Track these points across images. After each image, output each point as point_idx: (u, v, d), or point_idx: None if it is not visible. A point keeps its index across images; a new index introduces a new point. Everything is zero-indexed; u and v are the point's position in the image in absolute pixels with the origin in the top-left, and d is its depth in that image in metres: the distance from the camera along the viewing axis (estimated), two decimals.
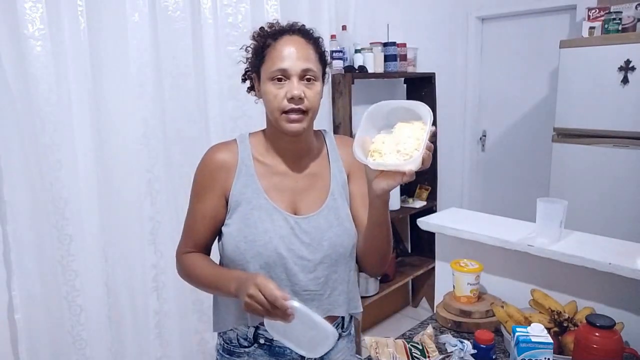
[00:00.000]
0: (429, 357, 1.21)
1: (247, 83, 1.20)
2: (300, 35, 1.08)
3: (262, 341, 1.13)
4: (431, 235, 1.81)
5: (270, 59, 1.06)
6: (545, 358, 1.10)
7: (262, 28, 1.12)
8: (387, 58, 2.89)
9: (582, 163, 2.75)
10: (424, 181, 3.39)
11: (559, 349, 1.24)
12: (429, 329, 1.32)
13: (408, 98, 3.44)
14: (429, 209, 3.20)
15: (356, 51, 2.74)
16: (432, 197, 3.34)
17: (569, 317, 1.31)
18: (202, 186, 1.13)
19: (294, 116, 1.04)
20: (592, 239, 1.53)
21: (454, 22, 3.77)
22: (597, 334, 1.13)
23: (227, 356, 1.17)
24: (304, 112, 1.05)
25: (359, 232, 1.14)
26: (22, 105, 1.59)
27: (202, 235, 1.14)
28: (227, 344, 1.17)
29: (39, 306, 1.70)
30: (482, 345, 1.19)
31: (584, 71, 2.69)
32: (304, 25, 1.12)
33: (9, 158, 1.59)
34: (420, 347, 1.23)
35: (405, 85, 3.42)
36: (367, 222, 1.06)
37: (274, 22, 1.13)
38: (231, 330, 1.16)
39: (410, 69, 3.13)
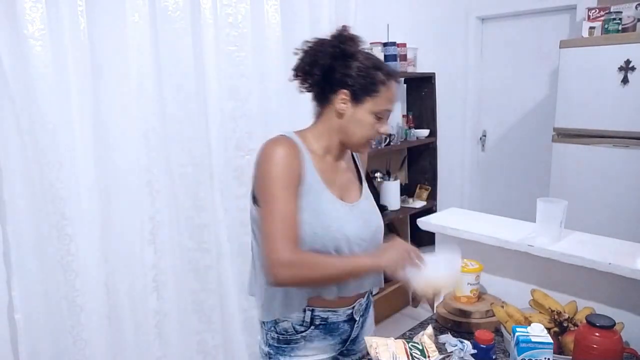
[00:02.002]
0: (429, 357, 1.21)
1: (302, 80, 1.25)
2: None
3: (317, 322, 1.25)
4: (431, 235, 1.81)
5: (382, 98, 1.18)
6: (545, 358, 1.10)
7: (380, 63, 1.24)
8: (387, 58, 2.89)
9: (582, 163, 2.75)
10: (424, 181, 3.39)
11: (559, 349, 1.24)
12: (429, 329, 1.32)
13: (408, 98, 3.44)
14: (429, 209, 3.21)
15: None
16: (432, 197, 3.34)
17: (569, 317, 1.31)
18: (285, 181, 1.13)
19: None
20: (592, 239, 1.53)
21: (454, 22, 3.77)
22: (597, 334, 1.13)
23: (285, 345, 1.26)
24: None
25: None
26: (22, 105, 1.59)
27: (296, 228, 1.13)
28: (283, 334, 1.25)
29: (39, 306, 1.69)
30: (482, 346, 1.20)
31: (584, 71, 2.69)
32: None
33: (9, 158, 1.59)
34: (420, 347, 1.23)
35: (405, 85, 3.43)
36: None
37: (388, 67, 1.24)
38: (285, 320, 1.24)
39: (410, 69, 3.13)
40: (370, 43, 2.86)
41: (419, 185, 3.37)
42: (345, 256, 1.19)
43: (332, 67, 1.17)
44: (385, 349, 1.19)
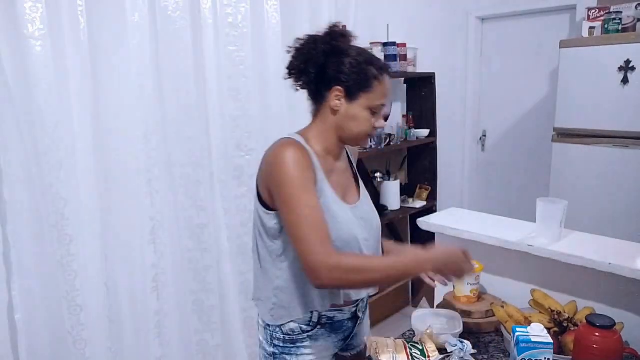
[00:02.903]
0: (429, 357, 1.21)
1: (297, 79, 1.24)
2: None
3: (324, 321, 1.26)
4: (431, 235, 1.81)
5: (376, 93, 1.18)
6: (545, 358, 1.10)
7: (373, 59, 1.21)
8: (387, 58, 2.89)
9: (582, 163, 2.75)
10: (424, 181, 3.39)
11: (559, 349, 1.24)
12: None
13: (408, 98, 3.44)
14: (429, 209, 3.20)
15: None
16: (432, 197, 3.34)
17: (569, 317, 1.32)
18: (305, 181, 1.12)
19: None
20: (592, 239, 1.53)
21: (454, 22, 3.77)
22: (597, 334, 1.13)
23: (290, 345, 1.27)
24: None
25: None
26: (22, 105, 1.59)
27: (328, 230, 1.12)
28: (289, 335, 1.26)
29: (39, 306, 1.69)
30: None
31: (584, 71, 2.69)
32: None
33: (9, 158, 1.59)
34: (420, 347, 1.23)
35: (405, 85, 3.42)
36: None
37: (383, 62, 1.24)
38: (291, 322, 1.25)
39: (410, 69, 3.13)
40: (370, 43, 2.87)
41: (419, 185, 3.37)
42: (388, 258, 1.26)
43: (325, 64, 1.17)
44: (385, 349, 1.19)
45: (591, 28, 2.80)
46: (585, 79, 2.68)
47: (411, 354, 1.20)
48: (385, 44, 2.91)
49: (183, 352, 2.08)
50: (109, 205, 1.84)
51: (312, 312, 1.24)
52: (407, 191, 3.36)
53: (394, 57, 2.91)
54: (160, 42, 1.90)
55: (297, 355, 1.26)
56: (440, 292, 1.69)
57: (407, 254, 1.30)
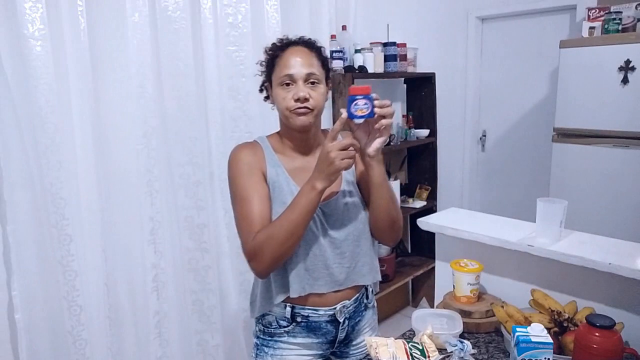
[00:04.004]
0: (429, 357, 1.21)
1: (264, 93, 1.34)
2: (304, 46, 1.25)
3: (299, 319, 1.27)
4: (431, 235, 1.81)
5: (279, 68, 1.22)
6: (545, 358, 1.10)
7: (273, 43, 1.27)
8: (387, 58, 2.89)
9: (582, 163, 2.75)
10: (424, 181, 3.39)
11: (559, 349, 1.24)
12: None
13: (408, 98, 3.44)
14: (429, 209, 3.20)
15: (356, 51, 2.74)
16: (432, 197, 3.34)
17: (569, 317, 1.31)
18: (245, 174, 1.22)
19: (301, 110, 1.19)
20: (592, 239, 1.53)
21: (454, 22, 3.77)
22: (597, 334, 1.13)
23: (269, 338, 1.31)
24: (310, 109, 1.20)
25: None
26: (22, 105, 1.59)
27: (259, 218, 1.18)
28: (267, 327, 1.31)
29: (39, 306, 1.69)
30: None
31: (584, 71, 2.69)
32: (309, 38, 1.29)
33: (9, 158, 1.59)
34: (420, 347, 1.23)
35: (405, 85, 3.42)
36: (370, 186, 1.20)
37: (283, 37, 1.28)
38: (269, 314, 1.30)
39: (410, 69, 3.13)
40: (370, 43, 2.87)
41: (419, 185, 3.37)
42: (287, 208, 1.17)
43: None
44: (385, 349, 1.19)
45: (591, 28, 2.80)
46: (585, 79, 2.68)
47: (411, 354, 1.20)
48: (385, 44, 2.91)
49: (183, 352, 2.08)
50: (109, 205, 1.84)
51: (285, 307, 1.27)
52: (407, 191, 3.36)
53: (394, 57, 2.91)
54: (160, 42, 1.90)
55: (274, 347, 1.31)
56: (440, 291, 1.69)
57: (297, 195, 1.18)
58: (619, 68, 2.56)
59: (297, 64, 1.20)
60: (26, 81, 1.58)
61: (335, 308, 1.29)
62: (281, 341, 1.30)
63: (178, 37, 1.93)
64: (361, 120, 1.10)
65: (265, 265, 1.17)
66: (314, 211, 1.15)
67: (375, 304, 1.45)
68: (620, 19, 2.67)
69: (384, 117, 1.10)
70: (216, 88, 2.07)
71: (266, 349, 1.32)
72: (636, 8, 2.67)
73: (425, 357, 1.20)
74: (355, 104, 1.08)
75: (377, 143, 1.13)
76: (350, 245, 1.27)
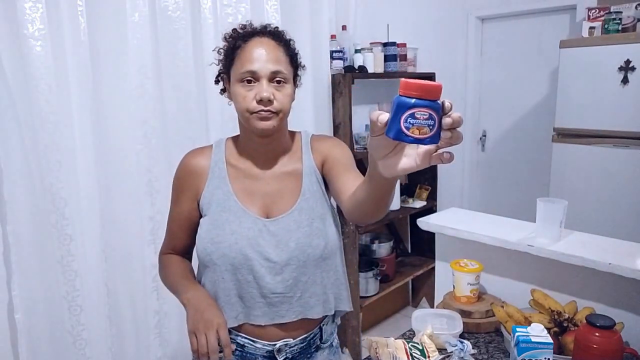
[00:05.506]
0: (429, 357, 1.21)
1: (220, 85, 1.17)
2: (271, 37, 1.07)
3: (235, 347, 1.11)
4: (431, 235, 1.81)
5: (239, 61, 1.04)
6: (545, 358, 1.10)
7: (234, 29, 1.09)
8: (387, 58, 2.89)
9: (582, 163, 2.75)
10: (424, 181, 3.39)
11: (559, 349, 1.24)
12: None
13: None
14: (429, 209, 3.20)
15: (356, 51, 2.74)
16: (432, 197, 3.34)
17: (569, 317, 1.31)
18: (176, 190, 1.19)
19: (264, 114, 1.02)
20: (592, 239, 1.53)
21: (454, 22, 3.77)
22: (597, 334, 1.13)
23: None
24: (274, 112, 1.04)
25: (351, 195, 0.98)
26: (22, 105, 1.59)
27: (178, 238, 1.21)
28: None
29: (39, 306, 1.69)
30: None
31: (584, 71, 2.69)
32: (276, 27, 1.11)
33: (9, 158, 1.59)
34: (420, 347, 1.23)
35: None
36: (368, 181, 0.87)
37: (246, 23, 1.11)
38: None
39: (410, 69, 3.13)
40: (370, 43, 2.87)
41: (419, 185, 3.37)
42: (186, 277, 1.14)
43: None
44: (385, 349, 1.19)
45: (591, 28, 2.80)
46: (585, 79, 2.68)
47: (411, 354, 1.20)
48: (385, 44, 2.91)
49: (183, 352, 2.08)
50: (109, 205, 1.84)
51: (230, 331, 1.09)
52: (407, 191, 3.36)
53: (394, 57, 2.91)
54: (160, 42, 1.90)
55: None
56: (440, 291, 1.69)
57: (191, 287, 1.10)
58: (619, 68, 2.56)
59: (262, 58, 1.02)
60: (26, 81, 1.58)
61: (275, 345, 1.11)
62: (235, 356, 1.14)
63: (178, 37, 1.93)
64: (414, 145, 0.66)
65: (163, 283, 1.21)
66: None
67: (336, 343, 1.25)
68: (620, 19, 2.67)
69: (450, 143, 0.67)
70: (216, 88, 2.06)
71: None
72: (636, 8, 2.67)
73: (425, 357, 1.20)
74: (412, 115, 0.61)
75: (407, 164, 0.70)
76: (294, 272, 1.07)
